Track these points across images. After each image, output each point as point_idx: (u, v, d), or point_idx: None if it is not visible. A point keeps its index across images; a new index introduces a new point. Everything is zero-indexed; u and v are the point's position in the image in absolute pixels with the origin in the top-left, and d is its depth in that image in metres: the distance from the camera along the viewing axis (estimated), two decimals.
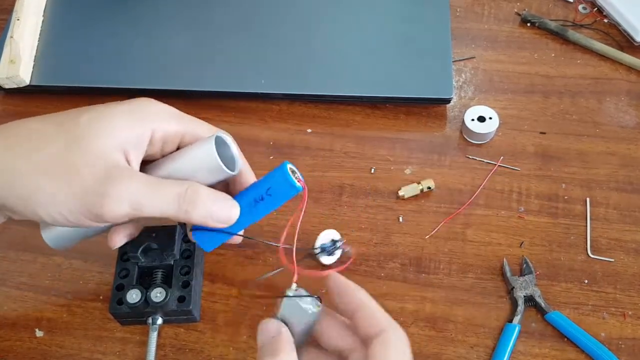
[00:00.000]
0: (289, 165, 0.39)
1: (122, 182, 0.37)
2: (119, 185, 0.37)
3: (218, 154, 0.40)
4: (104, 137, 0.38)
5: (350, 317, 0.38)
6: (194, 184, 0.39)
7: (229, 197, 0.40)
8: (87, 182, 0.37)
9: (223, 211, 0.40)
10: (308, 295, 0.37)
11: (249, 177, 0.43)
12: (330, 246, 0.51)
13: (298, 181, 0.39)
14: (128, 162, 0.39)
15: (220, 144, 0.41)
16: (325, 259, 0.52)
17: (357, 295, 0.38)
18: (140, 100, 0.41)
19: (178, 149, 0.42)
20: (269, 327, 0.37)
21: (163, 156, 0.42)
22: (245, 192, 0.41)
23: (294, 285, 0.38)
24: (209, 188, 0.40)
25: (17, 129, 0.39)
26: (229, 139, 0.42)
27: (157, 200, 0.38)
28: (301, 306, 0.37)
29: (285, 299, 0.37)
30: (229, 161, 0.41)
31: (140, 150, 0.40)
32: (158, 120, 0.40)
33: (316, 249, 0.52)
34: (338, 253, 0.52)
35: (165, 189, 0.38)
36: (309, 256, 0.52)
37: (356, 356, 0.37)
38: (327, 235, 0.54)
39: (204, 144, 0.40)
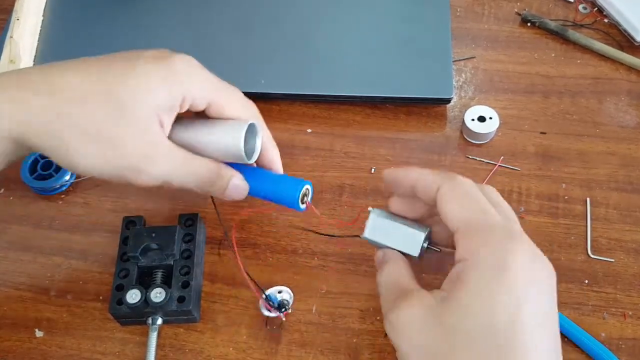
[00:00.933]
0: (307, 186, 0.46)
1: (160, 161, 0.42)
2: (156, 165, 0.41)
3: (244, 139, 0.44)
4: (145, 105, 0.41)
5: (414, 196, 0.42)
6: (221, 168, 0.45)
7: (243, 181, 0.46)
8: (128, 153, 0.40)
9: (236, 194, 0.47)
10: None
11: (271, 153, 0.49)
12: (275, 302, 0.50)
13: (304, 204, 0.46)
14: (162, 125, 0.42)
15: (249, 130, 0.45)
16: (265, 310, 0.49)
17: (410, 174, 0.42)
18: (177, 62, 0.43)
19: (203, 111, 0.45)
20: (377, 259, 0.44)
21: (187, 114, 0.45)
22: (258, 183, 0.47)
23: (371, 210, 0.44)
24: (232, 171, 0.46)
25: (58, 77, 0.40)
26: (260, 130, 0.47)
27: (186, 178, 0.44)
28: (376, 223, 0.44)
29: (369, 223, 0.44)
30: (251, 147, 0.46)
31: (172, 114, 0.43)
32: (189, 86, 0.43)
33: (266, 295, 0.50)
34: (276, 313, 0.50)
35: (196, 169, 0.44)
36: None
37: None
38: (281, 292, 0.51)
39: (234, 130, 0.44)
